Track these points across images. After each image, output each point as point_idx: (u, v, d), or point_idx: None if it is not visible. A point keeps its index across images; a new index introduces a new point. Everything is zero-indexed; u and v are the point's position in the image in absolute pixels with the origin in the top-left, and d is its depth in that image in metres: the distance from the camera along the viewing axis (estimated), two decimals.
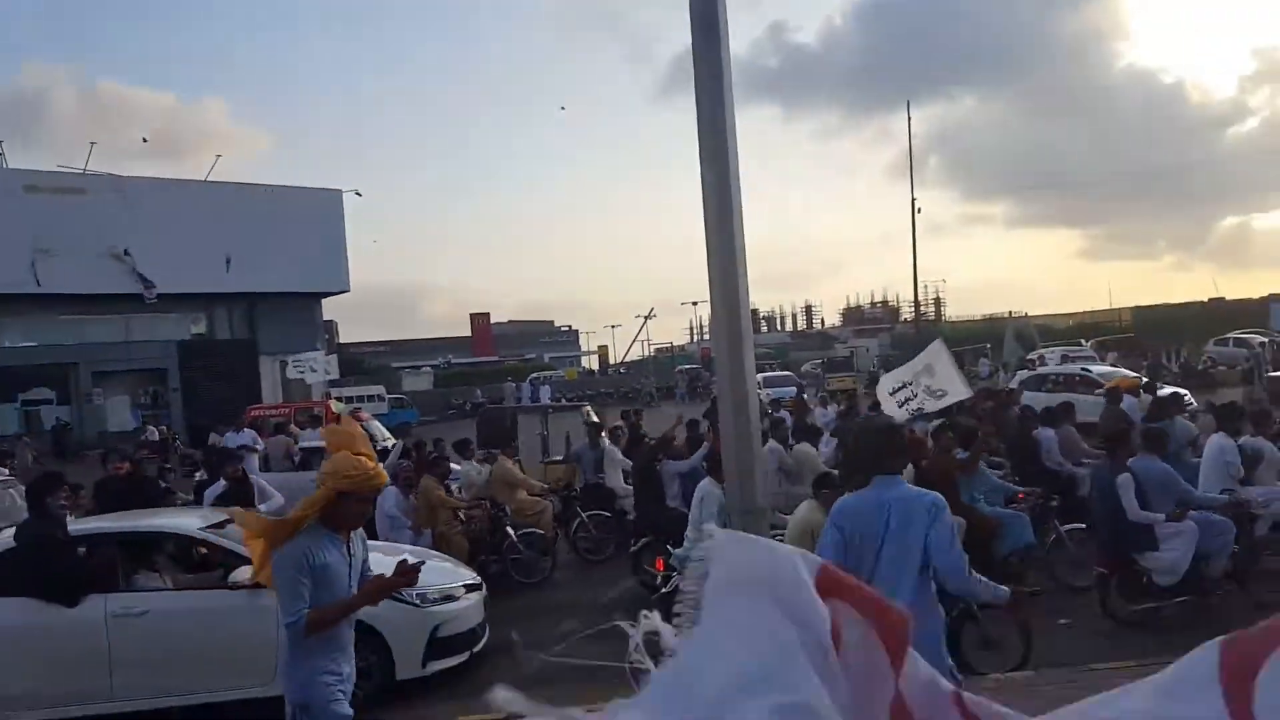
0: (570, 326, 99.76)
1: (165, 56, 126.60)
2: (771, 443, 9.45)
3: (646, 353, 75.89)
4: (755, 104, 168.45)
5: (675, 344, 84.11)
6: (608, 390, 45.12)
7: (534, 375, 50.34)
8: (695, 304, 78.63)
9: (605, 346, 75.43)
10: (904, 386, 10.74)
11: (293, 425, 18.52)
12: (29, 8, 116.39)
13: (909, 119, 57.83)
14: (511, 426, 16.55)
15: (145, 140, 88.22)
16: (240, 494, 8.39)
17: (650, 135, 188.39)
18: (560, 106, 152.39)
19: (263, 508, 8.07)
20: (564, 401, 39.31)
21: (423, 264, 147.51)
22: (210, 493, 8.99)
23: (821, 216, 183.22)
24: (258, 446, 16.38)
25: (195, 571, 6.85)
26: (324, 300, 42.40)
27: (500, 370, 58.69)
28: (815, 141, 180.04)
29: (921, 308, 67.81)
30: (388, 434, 20.47)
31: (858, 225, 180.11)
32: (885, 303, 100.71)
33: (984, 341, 36.59)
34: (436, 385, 48.89)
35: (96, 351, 36.16)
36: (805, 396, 21.87)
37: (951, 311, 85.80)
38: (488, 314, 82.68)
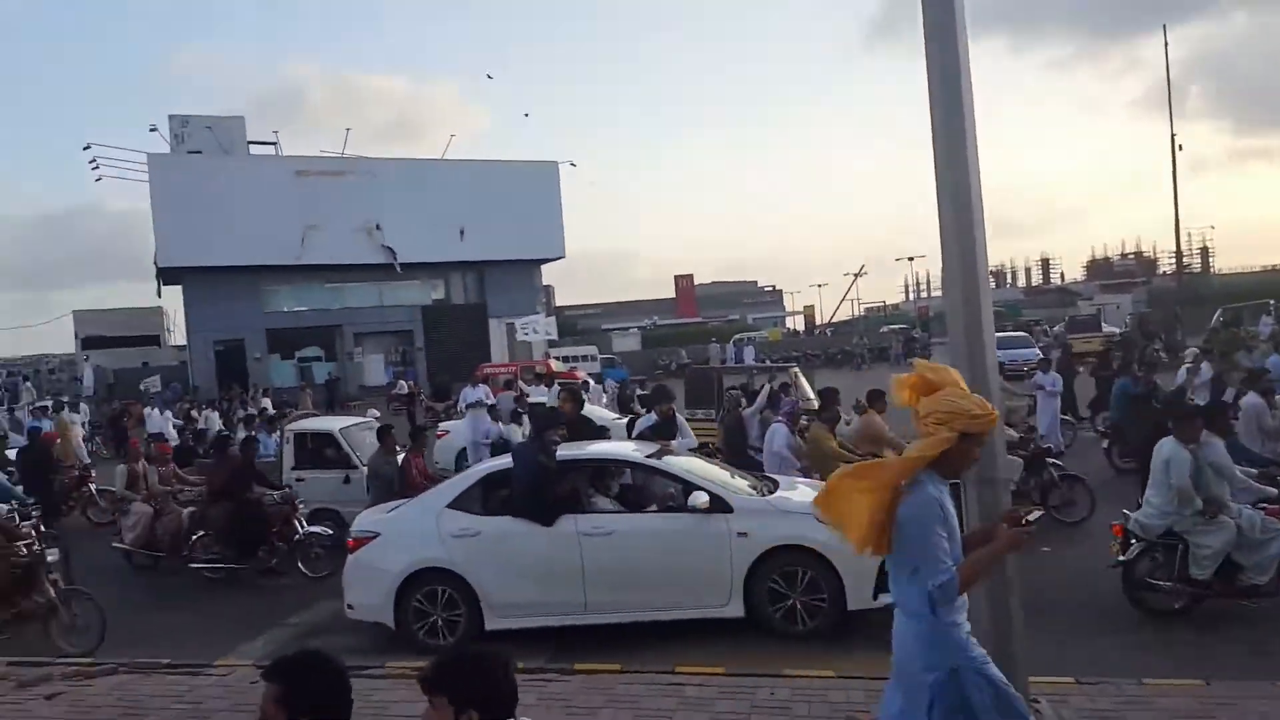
0: (774, 286, 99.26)
1: (402, 45, 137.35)
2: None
3: (856, 312, 74.22)
4: (978, 35, 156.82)
5: (888, 303, 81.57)
6: (813, 352, 45.03)
7: (737, 336, 50.84)
8: (911, 260, 76.10)
9: (811, 306, 74.35)
10: None
11: (519, 381, 20.64)
12: (283, 12, 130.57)
13: (1165, 43, 50.86)
14: (716, 386, 16.84)
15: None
16: (666, 428, 9.47)
17: (858, 81, 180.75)
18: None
19: (675, 444, 8.59)
20: (768, 363, 39.90)
21: (630, 228, 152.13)
22: (642, 423, 10.36)
23: (1056, 159, 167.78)
24: (489, 400, 18.52)
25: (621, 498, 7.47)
26: (543, 266, 45.39)
27: (704, 331, 59.85)
28: (1048, 74, 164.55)
29: (1184, 258, 60.38)
30: (603, 389, 22.25)
31: (1101, 168, 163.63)
32: (1139, 254, 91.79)
33: (1265, 297, 32.15)
34: (644, 346, 51.00)
35: (355, 315, 41.13)
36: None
37: (1221, 263, 76.93)
38: (691, 275, 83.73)
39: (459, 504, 6.98)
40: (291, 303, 40.63)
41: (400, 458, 9.30)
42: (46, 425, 21.02)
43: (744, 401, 12.75)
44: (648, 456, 7.25)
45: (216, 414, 25.65)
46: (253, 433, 14.12)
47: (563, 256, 44.52)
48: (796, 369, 17.22)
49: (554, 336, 28.69)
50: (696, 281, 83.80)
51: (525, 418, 14.14)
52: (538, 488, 6.80)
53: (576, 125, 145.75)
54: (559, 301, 65.37)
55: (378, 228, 39.67)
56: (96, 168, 37.79)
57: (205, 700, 5.62)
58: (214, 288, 37.95)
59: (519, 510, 6.78)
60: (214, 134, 37.95)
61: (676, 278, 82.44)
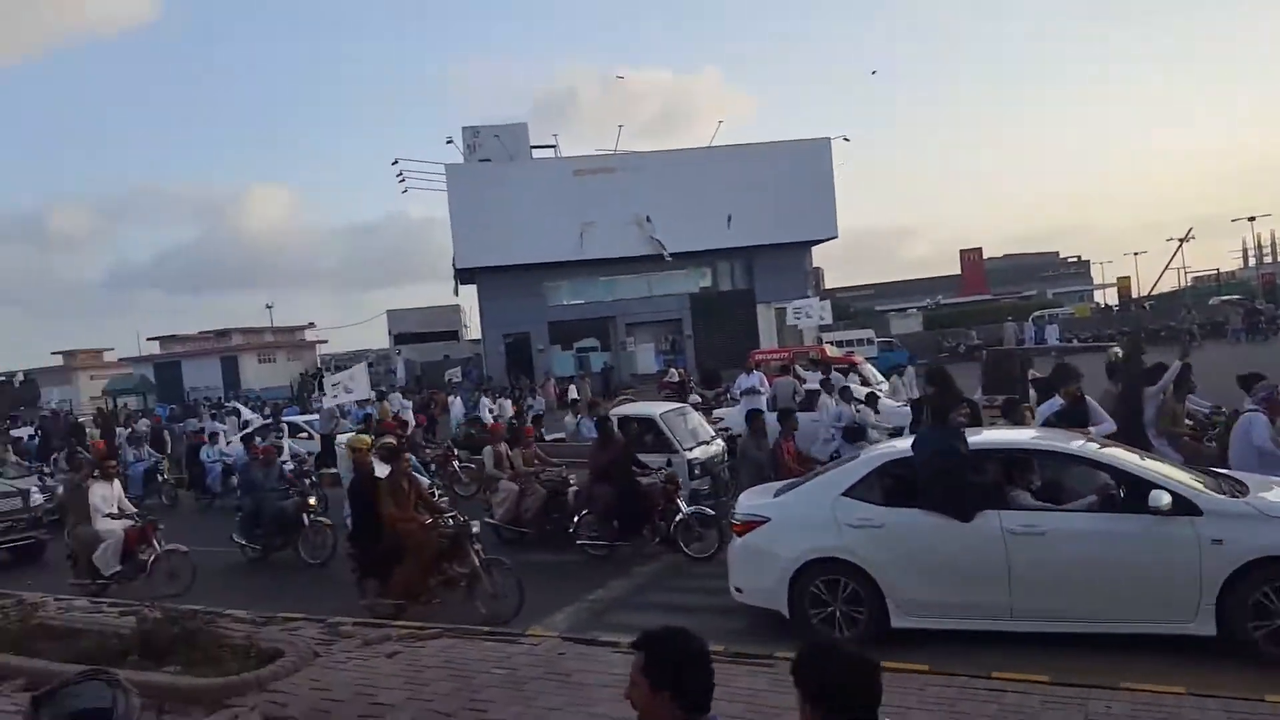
0: (1079, 257, 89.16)
1: (662, 38, 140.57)
2: None
3: (1182, 282, 64.31)
4: None
5: (1221, 270, 69.79)
6: (1126, 329, 39.19)
7: (1037, 313, 46.08)
8: (1252, 220, 64.41)
9: (1126, 278, 65.07)
10: None
11: (796, 367, 19.47)
12: (559, 14, 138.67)
13: None
14: (1021, 370, 15.24)
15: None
16: (1076, 414, 8.67)
17: (1178, 11, 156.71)
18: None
19: (1093, 429, 8.10)
20: (1075, 342, 35.22)
21: (903, 203, 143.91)
22: (1045, 409, 9.40)
23: None
24: (763, 389, 17.53)
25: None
26: (813, 248, 43.66)
27: (995, 309, 54.71)
28: None
29: None
30: (880, 376, 20.41)
31: None
32: None
33: None
34: (926, 327, 47.44)
35: (627, 306, 42.16)
36: None
37: None
38: (979, 249, 77.31)
39: (855, 492, 6.68)
40: (570, 296, 42.50)
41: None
42: (372, 411, 23.70)
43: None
44: (1077, 445, 6.66)
45: (509, 402, 27.70)
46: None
47: (835, 236, 42.54)
48: (1117, 348, 14.78)
49: (828, 320, 27.08)
50: (986, 255, 77.21)
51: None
52: (951, 478, 6.30)
53: (844, 99, 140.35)
54: (828, 284, 63.02)
55: (647, 220, 40.25)
56: (403, 180, 41.90)
57: (520, 667, 5.99)
58: (503, 285, 40.66)
59: (931, 503, 6.31)
60: (501, 142, 40.51)
61: (962, 252, 76.48)
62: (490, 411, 24.54)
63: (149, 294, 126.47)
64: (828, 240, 43.07)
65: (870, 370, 21.34)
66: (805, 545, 6.59)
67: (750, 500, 7.45)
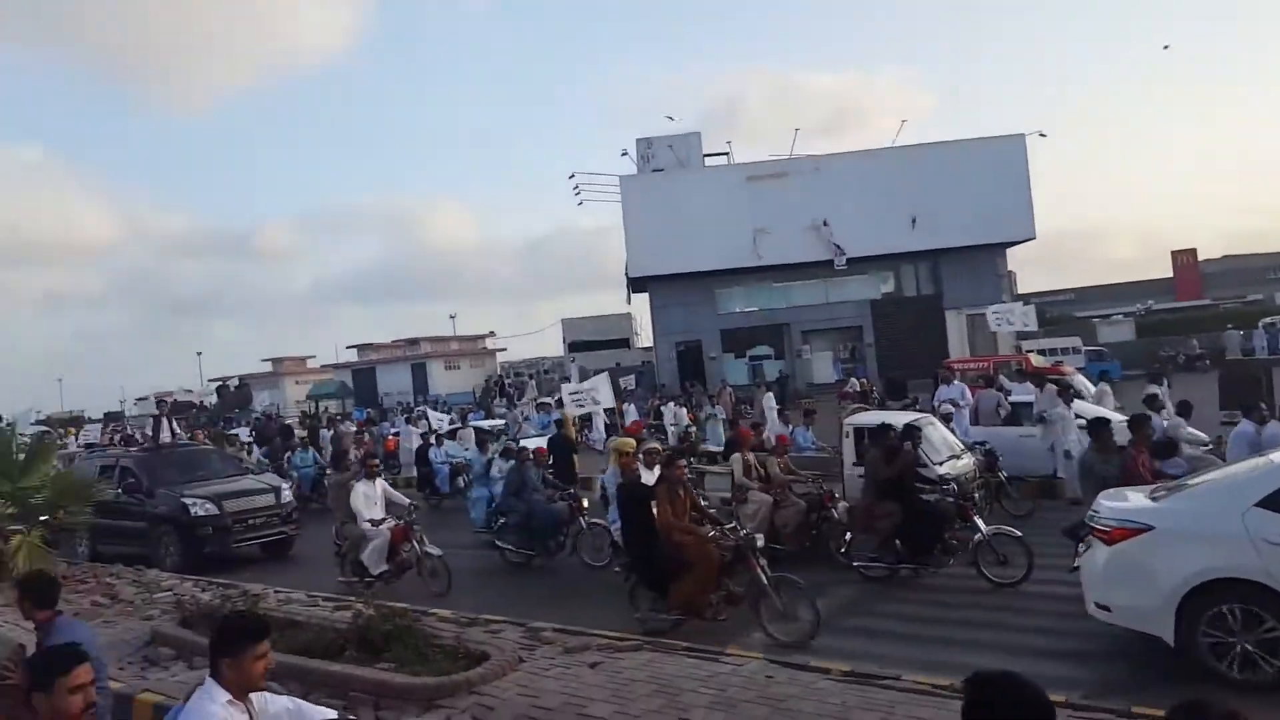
0: None
1: (834, 38, 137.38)
2: None
3: None
4: None
5: None
6: None
7: (1267, 320, 41.09)
8: None
9: None
10: None
11: (1001, 378, 17.87)
12: (720, 26, 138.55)
13: None
14: (1266, 384, 13.97)
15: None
16: None
17: None
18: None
19: None
20: None
21: (1102, 201, 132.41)
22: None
23: None
24: (964, 402, 16.14)
25: None
26: (1007, 250, 40.75)
27: (1214, 315, 49.20)
28: None
29: None
30: (1091, 388, 18.50)
31: None
32: None
33: None
34: (1139, 335, 43.08)
35: (803, 313, 40.93)
36: None
37: None
38: (1193, 249, 70.14)
39: (1273, 503, 5.66)
40: (743, 304, 41.76)
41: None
42: (557, 416, 24.22)
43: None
44: None
45: (684, 410, 27.52)
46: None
47: (1032, 238, 39.43)
48: None
49: (1032, 326, 24.84)
50: (1200, 257, 69.91)
51: None
52: None
53: (1031, 95, 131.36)
54: (1022, 288, 58.79)
55: (825, 224, 38.93)
56: (579, 192, 42.73)
57: (728, 688, 5.69)
58: (675, 293, 40.52)
59: None
60: (674, 151, 40.50)
61: (1174, 253, 69.61)
62: (669, 421, 24.56)
63: (345, 305, 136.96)
64: (1024, 242, 40.01)
65: (1082, 381, 19.45)
66: (1205, 562, 5.71)
67: (1118, 504, 6.52)
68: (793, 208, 38.39)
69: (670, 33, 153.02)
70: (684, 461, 8.60)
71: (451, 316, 64.45)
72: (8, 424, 27.78)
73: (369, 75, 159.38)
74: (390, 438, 24.31)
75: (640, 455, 9.84)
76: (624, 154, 41.59)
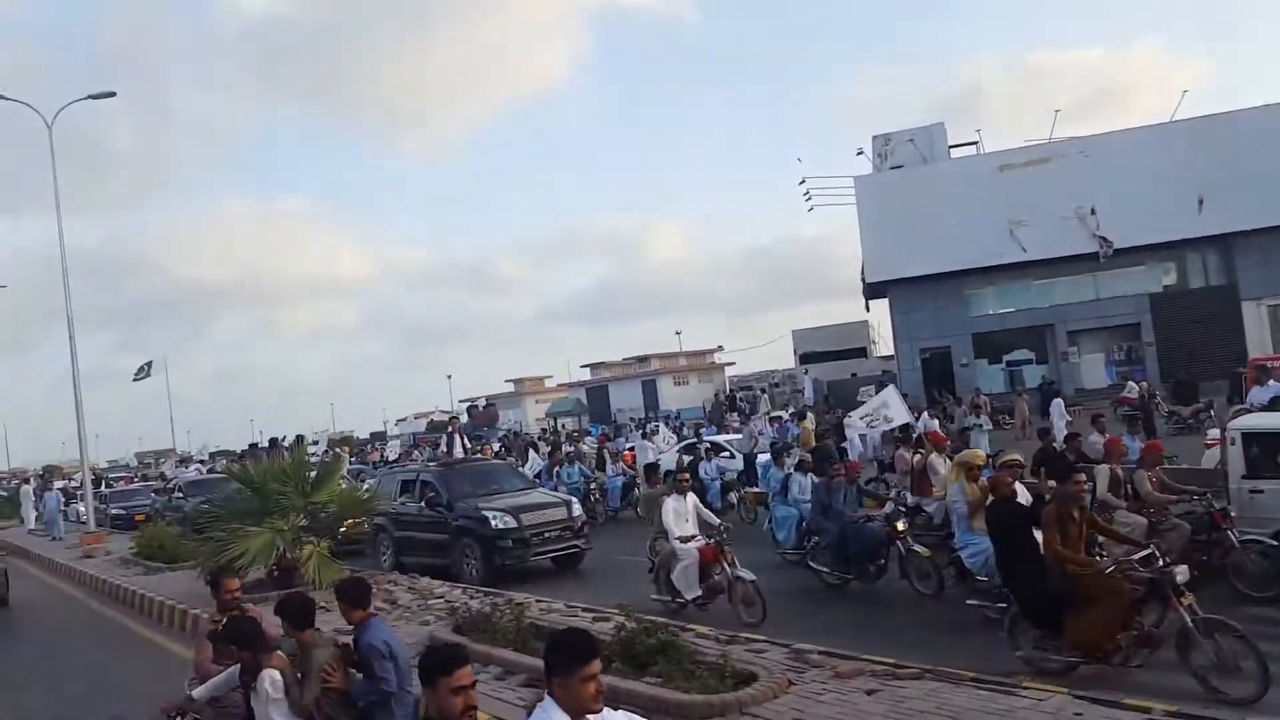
0: None
1: (1092, 14, 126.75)
2: None
3: None
4: None
5: None
6: None
7: None
8: None
9: None
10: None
11: None
12: (953, 12, 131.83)
13: None
14: None
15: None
16: None
17: None
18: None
19: None
20: None
21: None
22: None
23: None
24: None
25: None
26: None
27: None
28: None
29: None
30: None
31: None
32: None
33: None
34: None
35: (1068, 311, 37.51)
36: None
37: None
38: None
39: None
40: (997, 305, 38.91)
41: None
42: (794, 430, 23.55)
43: None
44: None
45: (935, 421, 26.01)
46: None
47: None
48: None
49: None
50: None
51: None
52: None
53: None
54: None
55: (1092, 212, 35.52)
56: (809, 197, 41.70)
57: None
58: (919, 296, 38.46)
59: None
60: (915, 146, 38.58)
61: None
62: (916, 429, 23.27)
63: (573, 327, 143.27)
64: None
65: None
66: None
67: None
68: (1054, 196, 35.34)
69: (889, 28, 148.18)
70: (1082, 478, 7.14)
71: (677, 333, 65.42)
72: (312, 441, 30.93)
73: (587, 100, 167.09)
74: (627, 452, 24.74)
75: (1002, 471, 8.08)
76: (859, 153, 40.17)
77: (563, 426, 53.52)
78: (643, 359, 59.88)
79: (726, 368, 59.53)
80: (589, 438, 32.47)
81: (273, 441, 18.70)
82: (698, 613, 9.23)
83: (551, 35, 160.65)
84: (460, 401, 69.12)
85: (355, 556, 14.71)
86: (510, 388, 69.26)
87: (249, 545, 10.84)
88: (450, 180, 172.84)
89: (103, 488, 33.93)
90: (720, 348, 59.85)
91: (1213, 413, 21.65)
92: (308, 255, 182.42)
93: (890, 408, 16.23)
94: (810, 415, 29.57)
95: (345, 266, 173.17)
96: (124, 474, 57.52)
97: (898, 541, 9.81)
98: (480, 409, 58.23)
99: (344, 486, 13.15)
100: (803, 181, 41.26)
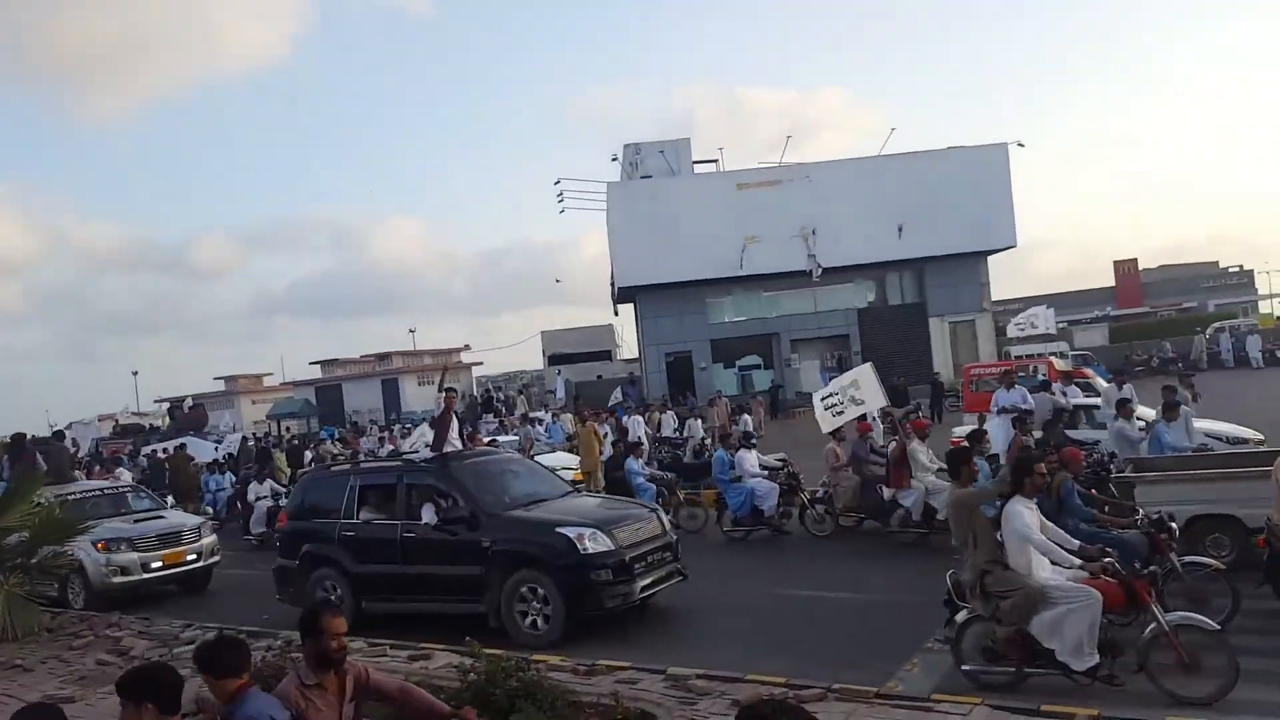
0: (1241, 266, 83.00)
1: (788, 56, 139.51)
2: None
3: None
4: None
5: None
6: None
7: (1217, 324, 43.57)
8: None
9: None
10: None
11: (1056, 384, 17.96)
12: (676, 42, 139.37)
13: None
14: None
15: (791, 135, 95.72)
16: None
17: None
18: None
19: None
20: None
21: (1038, 213, 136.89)
22: None
23: None
24: (1026, 406, 16.03)
25: None
26: (990, 257, 41.44)
27: (1157, 323, 51.61)
28: None
29: None
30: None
31: None
32: None
33: None
34: (1112, 340, 44.45)
35: (791, 322, 40.91)
36: None
37: None
38: (1134, 260, 73.44)
39: None
40: (732, 313, 41.53)
41: None
42: (559, 429, 23.60)
43: None
44: None
45: (672, 414, 27.40)
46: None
47: (1014, 245, 40.18)
48: None
49: (1053, 330, 25.19)
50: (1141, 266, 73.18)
51: None
52: None
53: (974, 109, 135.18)
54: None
55: (813, 233, 39.00)
56: (562, 199, 41.98)
57: None
58: (664, 303, 40.06)
59: None
60: (665, 157, 40.08)
61: (1116, 264, 72.50)
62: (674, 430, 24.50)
63: (291, 321, 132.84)
64: (1006, 250, 40.75)
65: (1104, 385, 19.65)
66: None
67: None
68: (783, 216, 38.35)
69: (610, 49, 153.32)
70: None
71: (411, 331, 62.59)
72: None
73: (310, 82, 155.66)
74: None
75: None
76: (614, 159, 41.06)
77: (287, 429, 49.39)
78: (383, 356, 56.88)
79: (473, 368, 58.24)
80: (328, 441, 30.17)
81: None
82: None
83: (269, 7, 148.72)
84: (158, 401, 61.47)
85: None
86: (221, 386, 62.65)
87: None
88: (144, 153, 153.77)
89: None
90: (467, 346, 58.43)
91: (920, 413, 24.27)
92: None
93: (862, 388, 13.24)
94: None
95: (5, 240, 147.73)
96: None
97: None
98: (185, 409, 51.92)
99: (40, 504, 10.69)
100: (558, 182, 41.44)
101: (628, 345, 52.66)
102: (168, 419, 53.15)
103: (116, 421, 55.49)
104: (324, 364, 58.81)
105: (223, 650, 3.62)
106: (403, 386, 53.33)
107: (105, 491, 13.93)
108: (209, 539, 13.08)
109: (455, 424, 10.97)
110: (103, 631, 9.32)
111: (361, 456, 22.03)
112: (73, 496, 12.86)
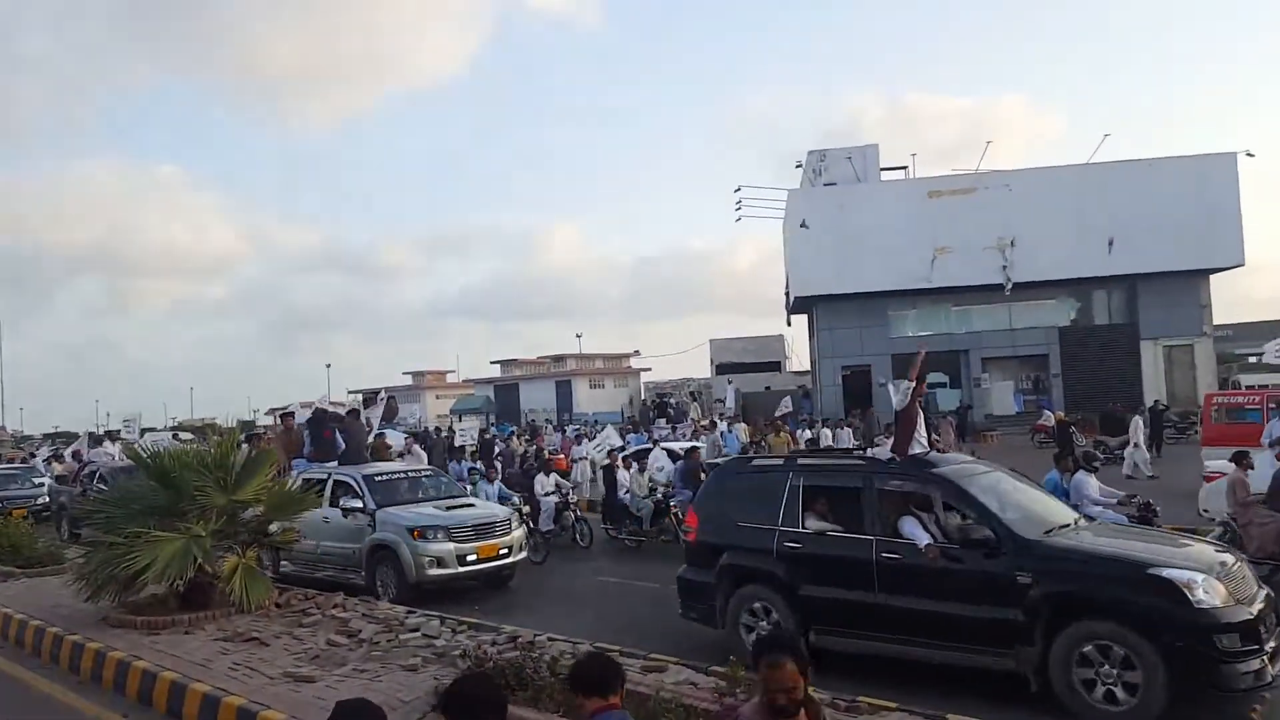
0: None
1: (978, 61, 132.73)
2: None
3: None
4: None
5: None
6: None
7: None
8: None
9: None
10: None
11: None
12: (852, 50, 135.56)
13: None
14: None
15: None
16: None
17: None
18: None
19: None
20: None
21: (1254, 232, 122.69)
22: None
23: None
24: None
25: None
26: (1211, 276, 37.35)
27: None
28: None
29: None
30: None
31: None
32: None
33: None
34: None
35: (982, 339, 38.45)
36: None
37: None
38: None
39: None
40: (916, 327, 39.58)
41: None
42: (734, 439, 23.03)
43: None
44: None
45: (849, 431, 27.40)
46: None
47: (1240, 264, 36.01)
48: None
49: None
50: None
51: None
52: None
53: (1182, 117, 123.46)
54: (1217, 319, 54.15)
55: (1011, 244, 36.51)
56: (739, 206, 41.48)
57: None
58: (843, 314, 38.69)
59: None
60: (852, 164, 38.77)
61: None
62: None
63: (461, 321, 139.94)
64: (1232, 268, 36.60)
65: None
66: None
67: None
68: (978, 226, 36.14)
69: (775, 55, 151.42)
70: None
71: (578, 335, 63.61)
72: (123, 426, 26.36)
73: (484, 95, 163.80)
74: (561, 457, 23.22)
75: None
76: (798, 165, 40.14)
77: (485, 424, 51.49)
78: (558, 358, 58.45)
79: (642, 373, 58.80)
80: (514, 437, 31.02)
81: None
82: None
83: (452, 26, 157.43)
84: (351, 392, 65.83)
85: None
86: (408, 380, 66.39)
87: (157, 554, 8.79)
88: (336, 163, 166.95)
89: None
90: (636, 352, 59.06)
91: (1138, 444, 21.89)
92: (175, 227, 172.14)
93: None
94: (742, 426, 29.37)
95: (215, 241, 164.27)
96: None
97: None
98: (379, 401, 55.30)
99: (272, 481, 11.08)
100: (737, 189, 41.02)
101: (798, 357, 51.42)
102: (362, 409, 56.84)
103: (315, 408, 59.83)
104: (503, 364, 61.18)
105: (598, 668, 3.44)
106: (575, 388, 54.53)
107: (410, 474, 12.81)
108: (518, 531, 12.02)
109: (921, 420, 8.46)
110: (328, 611, 9.46)
111: (546, 453, 22.36)
112: (381, 478, 12.11)
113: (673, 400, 46.58)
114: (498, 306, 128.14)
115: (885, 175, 40.36)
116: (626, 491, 15.30)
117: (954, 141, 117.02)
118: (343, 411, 17.42)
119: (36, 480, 23.49)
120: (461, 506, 11.99)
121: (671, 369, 67.68)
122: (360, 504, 11.60)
